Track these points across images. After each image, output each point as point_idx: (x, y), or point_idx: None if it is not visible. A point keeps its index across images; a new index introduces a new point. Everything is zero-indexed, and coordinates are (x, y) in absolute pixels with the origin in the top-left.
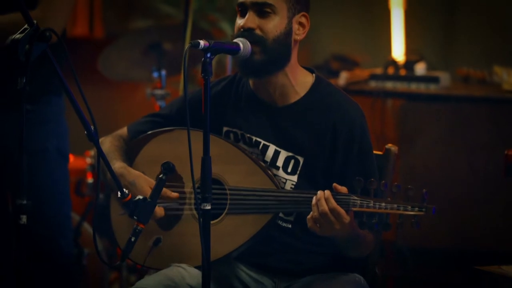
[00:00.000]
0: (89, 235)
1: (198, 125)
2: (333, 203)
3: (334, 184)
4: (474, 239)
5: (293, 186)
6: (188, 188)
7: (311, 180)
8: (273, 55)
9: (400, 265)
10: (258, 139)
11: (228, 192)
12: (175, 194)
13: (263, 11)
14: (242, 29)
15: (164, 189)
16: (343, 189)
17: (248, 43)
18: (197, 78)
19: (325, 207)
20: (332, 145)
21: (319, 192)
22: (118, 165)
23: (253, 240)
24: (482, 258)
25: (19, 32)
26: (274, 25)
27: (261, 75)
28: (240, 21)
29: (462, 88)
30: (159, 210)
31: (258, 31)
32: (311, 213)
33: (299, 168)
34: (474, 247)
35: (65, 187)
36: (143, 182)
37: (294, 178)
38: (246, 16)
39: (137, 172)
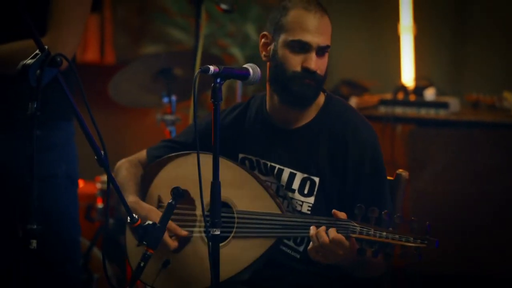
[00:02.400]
0: (99, 260)
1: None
2: (333, 233)
3: (334, 211)
4: (483, 264)
5: (310, 208)
6: (199, 211)
7: (328, 200)
8: (320, 88)
9: None
10: (273, 164)
11: (236, 215)
12: (184, 232)
13: (323, 52)
14: (305, 69)
15: (174, 225)
16: (342, 215)
17: (258, 68)
18: (207, 103)
19: (325, 238)
20: (344, 164)
21: (311, 228)
22: (130, 199)
23: (258, 262)
24: (491, 283)
25: (30, 57)
26: (326, 64)
27: (309, 105)
28: (296, 58)
29: (472, 113)
30: (173, 243)
31: (319, 72)
32: (311, 244)
33: (316, 189)
34: (483, 272)
35: (74, 212)
36: (155, 216)
37: (311, 199)
38: (313, 59)
39: (148, 206)
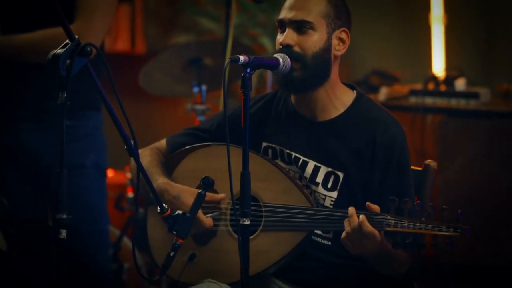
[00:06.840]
0: (129, 249)
1: (237, 140)
2: (368, 227)
3: (368, 203)
4: None
5: (332, 203)
6: (223, 204)
7: (351, 196)
8: (312, 71)
9: (441, 282)
10: (298, 155)
11: (263, 209)
12: (221, 195)
13: (301, 28)
14: (281, 46)
15: (210, 194)
16: (376, 208)
17: (288, 58)
18: (237, 93)
19: (357, 223)
20: (371, 161)
21: (350, 208)
22: (161, 181)
23: (288, 257)
24: None
25: (60, 47)
26: (313, 42)
27: (301, 91)
28: (279, 37)
29: (502, 104)
30: (208, 221)
31: (296, 48)
32: (344, 232)
33: (339, 184)
34: None
35: (102, 202)
36: (188, 195)
37: (334, 194)
38: (285, 33)
39: (181, 185)
